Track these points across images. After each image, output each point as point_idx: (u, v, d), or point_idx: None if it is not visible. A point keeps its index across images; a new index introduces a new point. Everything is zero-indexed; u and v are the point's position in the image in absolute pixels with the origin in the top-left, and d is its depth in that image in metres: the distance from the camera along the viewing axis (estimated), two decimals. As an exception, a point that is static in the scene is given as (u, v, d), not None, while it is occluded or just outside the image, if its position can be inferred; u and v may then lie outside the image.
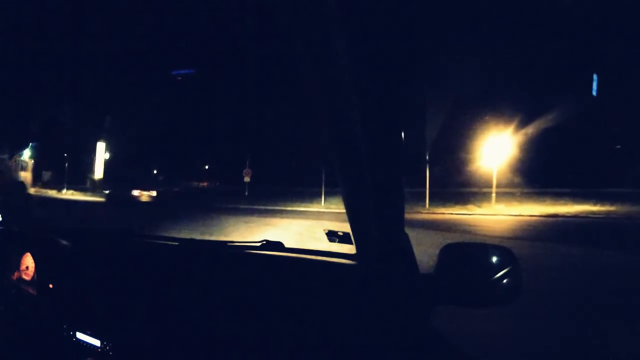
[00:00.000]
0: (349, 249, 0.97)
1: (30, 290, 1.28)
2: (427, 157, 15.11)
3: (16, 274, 1.36)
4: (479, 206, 14.12)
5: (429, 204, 14.50)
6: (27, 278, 1.32)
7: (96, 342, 1.05)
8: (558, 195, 15.84)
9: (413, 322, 0.79)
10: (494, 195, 14.69)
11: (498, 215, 12.47)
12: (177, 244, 1.30)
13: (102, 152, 21.34)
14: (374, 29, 0.52)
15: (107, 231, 1.51)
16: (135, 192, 16.50)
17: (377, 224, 0.76)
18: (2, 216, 1.67)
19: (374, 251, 0.82)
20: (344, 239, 1.11)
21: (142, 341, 1.01)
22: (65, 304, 1.18)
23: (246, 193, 18.76)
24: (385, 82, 0.57)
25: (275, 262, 1.07)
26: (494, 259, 0.78)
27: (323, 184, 16.06)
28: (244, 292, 0.97)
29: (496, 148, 15.20)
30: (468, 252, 0.81)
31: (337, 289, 0.89)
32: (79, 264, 1.26)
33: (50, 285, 1.23)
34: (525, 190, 17.41)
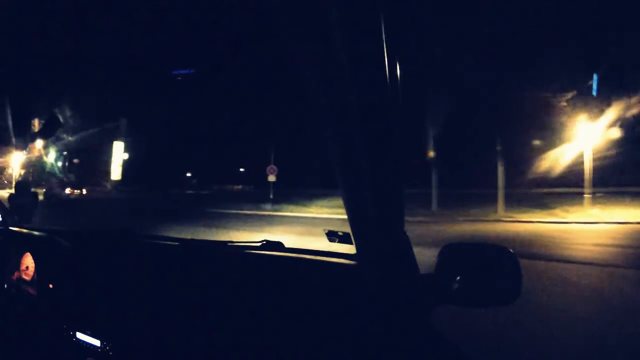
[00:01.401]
0: (349, 249, 0.97)
1: (30, 290, 1.28)
2: (499, 148, 12.21)
3: (16, 274, 1.36)
4: (566, 210, 11.17)
5: (504, 209, 11.59)
6: (27, 278, 1.32)
7: (96, 342, 1.05)
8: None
9: (413, 322, 0.79)
10: (587, 197, 11.67)
11: (599, 224, 9.55)
12: (177, 244, 1.30)
13: (119, 153, 20.89)
14: (374, 27, 0.51)
15: (107, 231, 1.51)
16: (68, 190, 18.81)
17: (377, 224, 0.76)
18: (2, 216, 1.66)
19: (374, 251, 0.82)
20: (344, 239, 1.11)
21: (142, 341, 1.01)
22: (65, 304, 1.18)
23: (271, 195, 15.32)
24: (385, 81, 0.57)
25: (275, 262, 1.07)
26: (494, 259, 0.78)
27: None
28: (244, 292, 0.97)
29: (587, 139, 12.10)
30: (468, 252, 0.81)
31: (337, 289, 0.89)
32: (79, 264, 1.26)
33: (50, 285, 1.23)
34: (601, 190, 13.36)
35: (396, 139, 0.64)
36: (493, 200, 11.96)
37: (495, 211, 11.52)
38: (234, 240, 1.22)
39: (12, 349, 1.23)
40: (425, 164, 13.67)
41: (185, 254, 1.22)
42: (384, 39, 0.52)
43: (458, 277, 0.77)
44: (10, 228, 1.60)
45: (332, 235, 1.15)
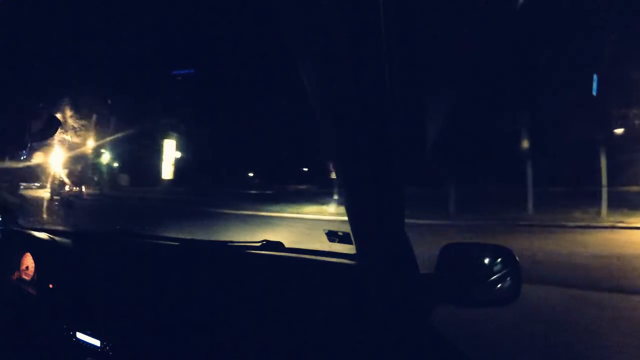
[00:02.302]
0: (349, 249, 0.97)
1: (30, 290, 1.28)
2: (602, 137, 9.69)
3: (16, 274, 1.36)
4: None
5: (607, 212, 9.18)
6: (27, 278, 1.32)
7: (96, 342, 1.05)
8: None
9: (413, 322, 0.79)
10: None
11: None
12: (177, 244, 1.31)
13: (171, 151, 20.12)
14: (374, 28, 0.52)
15: (107, 231, 1.51)
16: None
17: (377, 224, 0.76)
18: (1, 216, 1.66)
19: (374, 251, 0.82)
20: (344, 239, 1.10)
21: (142, 341, 1.01)
22: (65, 304, 1.18)
23: (335, 196, 12.42)
24: (384, 82, 0.57)
25: (275, 262, 1.07)
26: (494, 260, 0.78)
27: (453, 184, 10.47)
28: (244, 292, 0.97)
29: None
30: (468, 252, 0.81)
31: (337, 289, 0.89)
32: (79, 264, 1.26)
33: (50, 285, 1.23)
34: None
35: (396, 139, 0.64)
36: (585, 200, 9.81)
37: (598, 214, 9.31)
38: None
39: (12, 349, 1.23)
40: (507, 157, 11.60)
41: (185, 254, 1.22)
42: (383, 39, 0.52)
43: (458, 277, 0.78)
44: (10, 228, 1.60)
45: (332, 235, 1.15)
